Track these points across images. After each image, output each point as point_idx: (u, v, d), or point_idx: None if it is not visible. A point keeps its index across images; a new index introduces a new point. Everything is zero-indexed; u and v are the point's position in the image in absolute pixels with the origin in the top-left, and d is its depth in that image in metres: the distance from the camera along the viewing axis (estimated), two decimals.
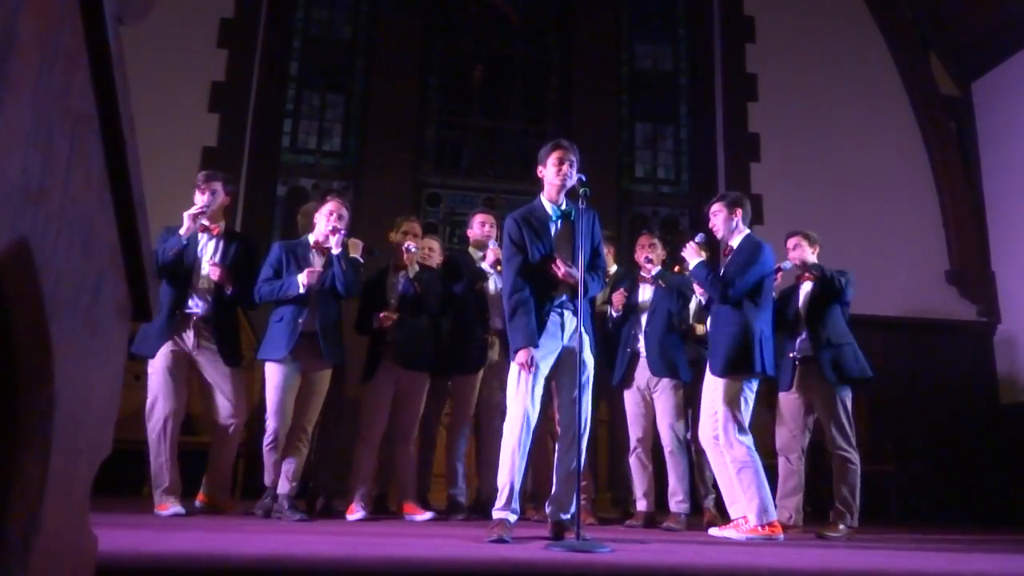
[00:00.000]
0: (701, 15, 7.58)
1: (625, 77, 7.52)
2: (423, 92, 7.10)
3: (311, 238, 3.86)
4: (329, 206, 3.84)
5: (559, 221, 3.12)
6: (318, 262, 3.78)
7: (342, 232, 3.78)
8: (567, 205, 3.13)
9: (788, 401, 4.13)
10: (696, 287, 3.88)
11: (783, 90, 7.15)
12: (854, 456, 3.94)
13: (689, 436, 4.19)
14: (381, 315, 3.90)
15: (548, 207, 3.14)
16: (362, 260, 3.91)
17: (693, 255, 3.75)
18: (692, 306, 4.28)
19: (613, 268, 4.61)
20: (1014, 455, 6.34)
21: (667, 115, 7.51)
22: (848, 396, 4.02)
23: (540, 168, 3.18)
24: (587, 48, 7.32)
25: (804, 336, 4.08)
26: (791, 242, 4.24)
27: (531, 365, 2.92)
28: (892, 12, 7.48)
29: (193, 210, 3.72)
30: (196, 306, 3.72)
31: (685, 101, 7.55)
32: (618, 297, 4.23)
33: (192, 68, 6.40)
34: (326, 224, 3.79)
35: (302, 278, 3.61)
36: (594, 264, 3.15)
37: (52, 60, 0.92)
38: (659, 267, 4.27)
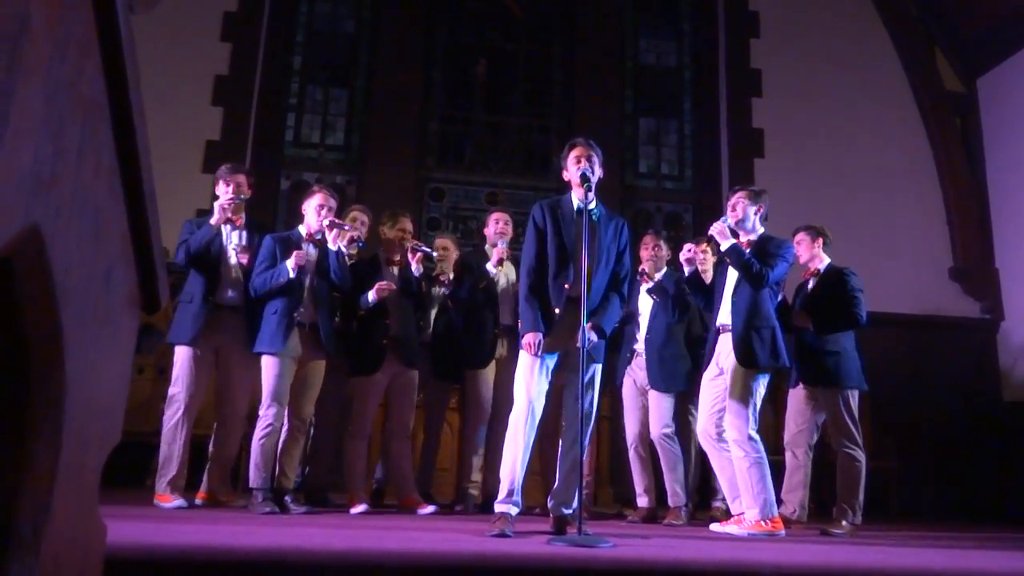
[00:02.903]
0: (706, 10, 7.55)
1: (629, 72, 7.49)
2: (426, 86, 7.08)
3: (302, 230, 3.86)
4: (318, 199, 3.84)
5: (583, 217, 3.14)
6: (312, 254, 3.79)
7: (346, 227, 3.80)
8: (596, 205, 3.14)
9: (794, 396, 4.15)
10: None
11: (787, 86, 7.13)
12: (859, 454, 3.95)
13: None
14: (381, 284, 3.85)
15: (574, 201, 3.17)
16: (347, 251, 3.91)
17: (724, 236, 3.56)
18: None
19: None
20: (1016, 452, 6.33)
21: (671, 110, 7.49)
22: (852, 395, 4.01)
23: (565, 172, 3.22)
24: (591, 43, 7.30)
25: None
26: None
27: (537, 347, 2.97)
28: (897, 8, 7.45)
29: (224, 200, 3.78)
30: (230, 296, 3.78)
31: (689, 96, 7.53)
32: None
33: (195, 61, 6.39)
34: (317, 218, 3.80)
35: (290, 262, 3.62)
36: (616, 277, 3.19)
37: (64, 48, 0.92)
38: (656, 279, 4.16)
